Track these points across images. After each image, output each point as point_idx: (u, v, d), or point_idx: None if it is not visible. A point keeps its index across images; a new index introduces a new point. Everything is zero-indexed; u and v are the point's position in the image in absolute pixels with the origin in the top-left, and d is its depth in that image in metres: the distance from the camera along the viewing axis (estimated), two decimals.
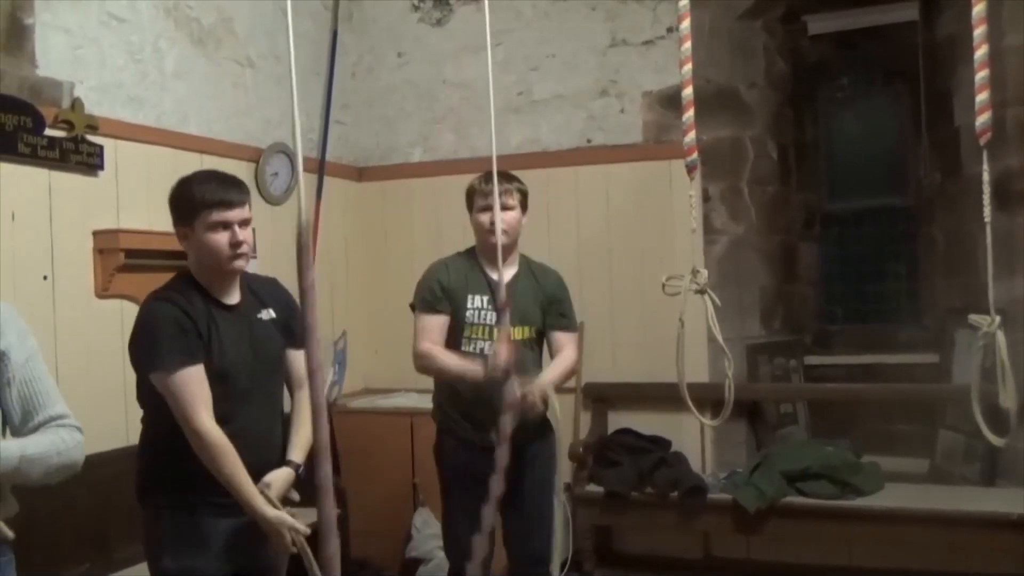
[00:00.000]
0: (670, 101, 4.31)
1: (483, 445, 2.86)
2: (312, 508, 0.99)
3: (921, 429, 4.36)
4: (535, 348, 3.09)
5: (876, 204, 4.93)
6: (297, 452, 2.40)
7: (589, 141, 4.57)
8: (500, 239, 2.71)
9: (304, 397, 2.47)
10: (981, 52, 2.04)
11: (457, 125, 4.75)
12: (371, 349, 4.86)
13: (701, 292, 2.14)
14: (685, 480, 3.97)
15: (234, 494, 2.22)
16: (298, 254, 0.93)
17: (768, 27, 4.70)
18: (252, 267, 3.60)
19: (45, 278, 3.09)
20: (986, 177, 2.11)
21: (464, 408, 2.99)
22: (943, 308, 4.52)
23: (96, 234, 3.27)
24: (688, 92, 2.09)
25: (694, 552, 4.32)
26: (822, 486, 3.81)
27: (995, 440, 2.15)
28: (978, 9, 2.04)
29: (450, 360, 2.94)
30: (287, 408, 2.51)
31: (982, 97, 2.03)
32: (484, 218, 2.96)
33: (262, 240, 3.99)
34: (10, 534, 1.84)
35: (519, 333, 3.00)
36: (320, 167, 4.52)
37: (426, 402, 3.26)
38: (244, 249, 2.29)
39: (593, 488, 4.13)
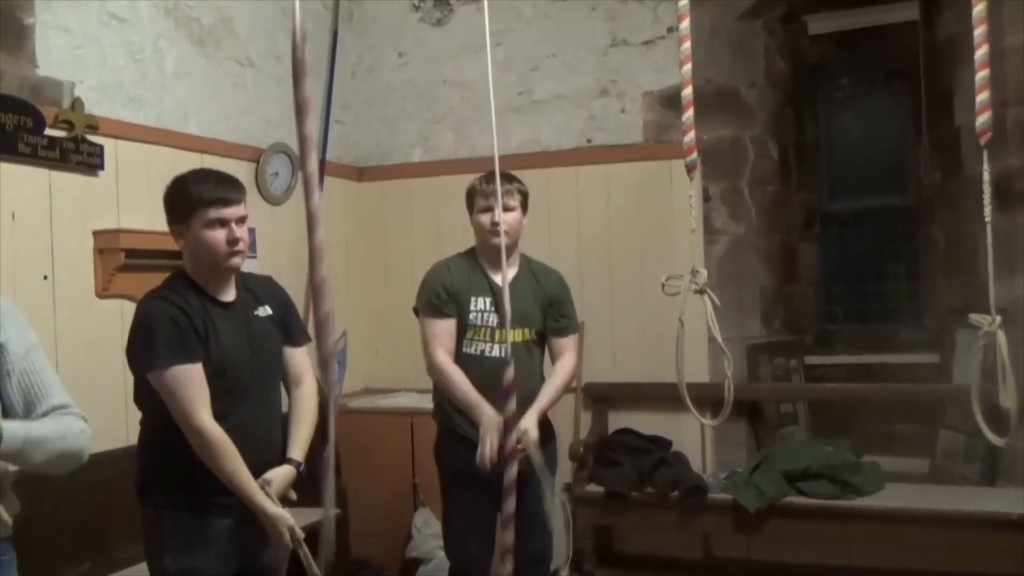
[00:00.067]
0: (670, 101, 4.31)
1: None
2: (311, 508, 1.00)
3: (921, 429, 4.35)
4: (536, 349, 3.09)
5: (876, 204, 4.93)
6: (297, 450, 2.40)
7: (589, 141, 4.57)
8: (503, 240, 2.71)
9: (302, 395, 2.47)
10: (981, 52, 2.04)
11: (457, 125, 4.75)
12: (371, 349, 4.86)
13: (701, 292, 2.14)
14: (685, 480, 3.97)
15: (235, 490, 2.22)
16: (310, 250, 0.93)
17: (768, 27, 4.70)
18: (252, 267, 3.61)
19: (45, 278, 3.09)
20: (986, 177, 2.11)
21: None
22: (943, 308, 4.52)
23: (96, 234, 3.27)
24: (688, 92, 2.10)
25: (694, 552, 4.32)
26: (822, 486, 3.81)
27: (995, 440, 2.15)
28: (978, 9, 2.05)
29: (461, 389, 2.91)
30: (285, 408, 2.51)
31: (982, 97, 2.04)
32: (485, 219, 2.96)
33: (262, 240, 4.00)
34: (9, 520, 1.84)
35: (519, 335, 2.99)
36: (320, 167, 4.51)
37: (426, 402, 3.26)
38: (241, 246, 2.30)
39: (593, 488, 4.12)
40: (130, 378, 2.34)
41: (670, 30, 4.34)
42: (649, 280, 3.80)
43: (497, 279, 2.93)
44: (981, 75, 2.03)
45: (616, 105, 4.51)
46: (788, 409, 4.63)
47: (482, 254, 3.06)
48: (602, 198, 4.53)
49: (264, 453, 2.33)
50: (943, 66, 4.43)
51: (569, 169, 4.55)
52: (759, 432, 4.52)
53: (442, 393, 3.04)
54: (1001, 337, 2.07)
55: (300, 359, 2.49)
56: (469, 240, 3.12)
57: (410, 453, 4.22)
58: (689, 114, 2.10)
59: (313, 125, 0.92)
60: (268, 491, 2.27)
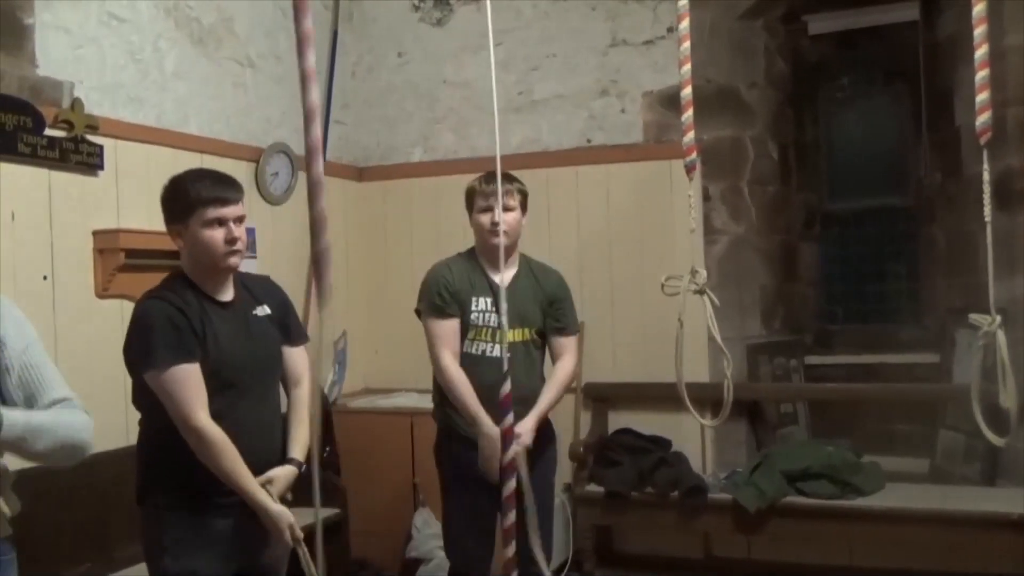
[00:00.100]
0: (670, 101, 4.31)
1: None
2: (310, 508, 1.00)
3: (921, 429, 4.35)
4: (536, 349, 3.08)
5: (876, 204, 4.93)
6: (298, 450, 2.40)
7: (589, 141, 4.57)
8: (502, 240, 2.71)
9: (301, 395, 2.47)
10: (981, 52, 2.04)
11: (457, 125, 4.75)
12: (371, 349, 4.86)
13: (700, 292, 2.14)
14: (685, 480, 3.97)
15: (235, 489, 2.22)
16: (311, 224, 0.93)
17: (768, 27, 4.70)
18: (252, 267, 3.61)
19: (45, 278, 3.09)
20: (986, 177, 2.11)
21: None
22: (943, 308, 4.52)
23: (96, 234, 3.27)
24: (687, 92, 2.09)
25: (694, 552, 4.32)
26: (822, 486, 3.81)
27: (995, 440, 2.15)
28: (978, 9, 2.04)
29: (464, 399, 2.91)
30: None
31: (982, 97, 2.03)
32: (484, 219, 2.95)
33: (262, 240, 4.00)
34: (7, 511, 1.83)
35: (519, 335, 3.00)
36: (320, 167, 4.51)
37: (426, 402, 3.26)
38: (239, 246, 2.30)
39: (593, 488, 4.12)
40: (130, 378, 2.34)
41: (670, 30, 4.34)
42: (649, 280, 3.80)
43: (497, 279, 2.93)
44: (981, 75, 2.03)
45: (616, 105, 4.51)
46: (788, 409, 4.63)
47: (482, 254, 3.06)
48: (602, 198, 4.53)
49: (264, 453, 2.33)
50: (943, 66, 4.43)
51: (569, 169, 4.55)
52: (759, 432, 4.52)
53: (442, 393, 3.04)
54: (1001, 337, 2.06)
55: (299, 359, 2.48)
56: (469, 240, 3.12)
57: (410, 453, 4.22)
58: (688, 114, 2.10)
59: (319, 131, 0.92)
60: (269, 489, 2.27)
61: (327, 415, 4.11)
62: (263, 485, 2.27)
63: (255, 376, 2.35)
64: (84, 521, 3.06)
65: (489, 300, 2.99)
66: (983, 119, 2.04)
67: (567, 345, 3.10)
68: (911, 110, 4.79)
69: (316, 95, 1.04)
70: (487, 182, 2.92)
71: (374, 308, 4.84)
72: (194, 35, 3.81)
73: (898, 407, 4.46)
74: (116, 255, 3.25)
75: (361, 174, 4.94)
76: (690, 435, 4.28)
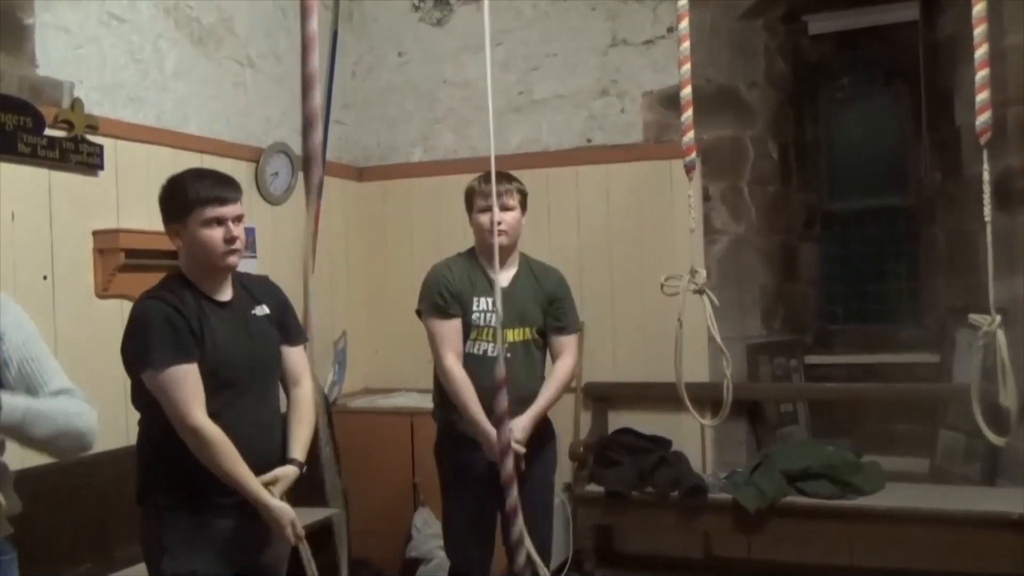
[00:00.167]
0: (670, 101, 4.31)
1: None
2: (309, 508, 1.00)
3: (921, 429, 4.35)
4: (536, 348, 3.08)
5: (877, 204, 4.93)
6: (298, 450, 2.40)
7: (589, 141, 4.57)
8: (496, 240, 2.71)
9: (300, 394, 2.47)
10: (981, 51, 2.04)
11: (457, 125, 4.75)
12: (371, 349, 4.86)
13: (699, 292, 2.14)
14: (685, 480, 3.97)
15: (236, 487, 2.22)
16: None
17: (768, 27, 4.70)
18: (251, 267, 3.61)
19: (45, 278, 3.09)
20: (987, 176, 2.11)
21: None
22: (944, 308, 4.52)
23: (96, 234, 3.27)
24: (687, 92, 2.09)
25: (695, 552, 4.32)
26: (823, 486, 3.81)
27: (995, 440, 2.15)
28: (978, 8, 2.04)
29: (466, 403, 2.90)
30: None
31: (982, 96, 2.03)
32: (484, 219, 2.95)
33: (262, 240, 4.00)
34: (4, 503, 1.83)
35: (519, 334, 3.00)
36: (321, 167, 4.51)
37: (426, 402, 3.26)
38: (238, 245, 2.30)
39: (593, 488, 4.13)
40: (129, 378, 2.34)
41: (670, 30, 4.34)
42: (649, 280, 3.79)
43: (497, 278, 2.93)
44: (981, 75, 2.03)
45: (616, 105, 4.51)
46: (788, 409, 4.63)
47: (482, 254, 3.06)
48: (602, 198, 4.53)
49: (263, 453, 2.32)
50: (943, 66, 4.43)
51: (569, 169, 4.55)
52: (759, 432, 4.52)
53: (443, 393, 3.04)
54: (1001, 337, 2.06)
55: (298, 359, 2.48)
56: (469, 240, 3.12)
57: (410, 453, 4.22)
58: (688, 114, 2.10)
59: (319, 136, 0.92)
60: (272, 489, 2.27)
61: (327, 415, 4.11)
62: (267, 485, 2.27)
63: (254, 376, 2.35)
64: (84, 521, 3.06)
65: (490, 300, 2.99)
66: (983, 119, 2.04)
67: (567, 344, 3.10)
68: (911, 110, 4.79)
69: (319, 98, 1.04)
70: (487, 182, 2.93)
71: (374, 308, 4.84)
72: (194, 35, 3.81)
73: (898, 407, 4.46)
74: (116, 255, 3.25)
75: (361, 174, 4.94)
76: (690, 435, 4.28)
